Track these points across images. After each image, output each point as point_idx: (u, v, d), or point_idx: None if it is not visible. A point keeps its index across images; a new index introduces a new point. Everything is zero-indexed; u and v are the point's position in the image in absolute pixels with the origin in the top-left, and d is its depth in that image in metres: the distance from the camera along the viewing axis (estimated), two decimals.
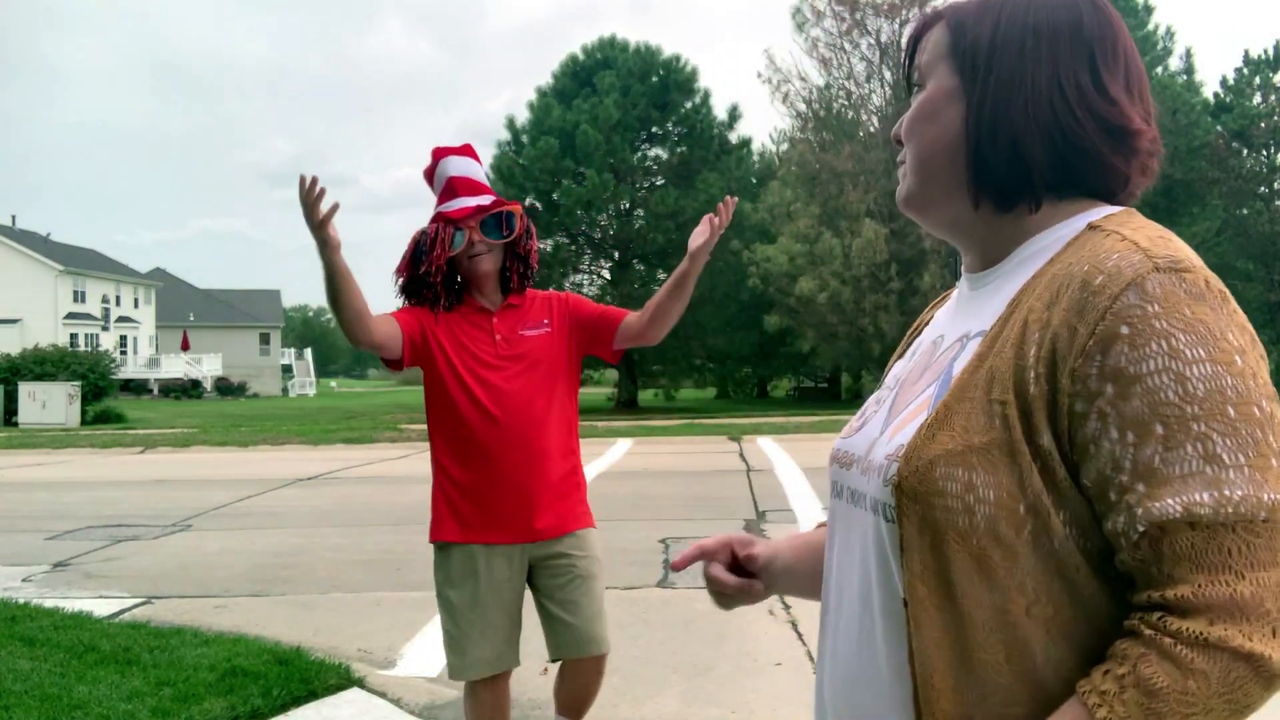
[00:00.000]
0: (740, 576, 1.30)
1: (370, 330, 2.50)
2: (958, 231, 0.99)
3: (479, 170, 2.78)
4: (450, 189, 2.72)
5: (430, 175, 2.79)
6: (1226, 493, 0.76)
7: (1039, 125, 0.90)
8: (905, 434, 0.90)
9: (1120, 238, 0.84)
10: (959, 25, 0.95)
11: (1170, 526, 0.76)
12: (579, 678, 2.74)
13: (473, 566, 2.61)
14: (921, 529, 0.84)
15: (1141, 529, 0.77)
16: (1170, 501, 0.76)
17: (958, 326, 0.98)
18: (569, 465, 2.70)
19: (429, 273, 2.62)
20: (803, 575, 1.21)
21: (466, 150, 2.81)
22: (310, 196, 2.27)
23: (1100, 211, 0.92)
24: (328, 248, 2.35)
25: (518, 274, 2.72)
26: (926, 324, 1.12)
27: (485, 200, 2.68)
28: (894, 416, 0.97)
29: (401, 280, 2.70)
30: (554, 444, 2.64)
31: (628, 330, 2.74)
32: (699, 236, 2.68)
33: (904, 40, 1.05)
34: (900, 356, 1.12)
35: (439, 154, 2.78)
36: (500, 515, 2.60)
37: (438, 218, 2.68)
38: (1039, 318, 0.84)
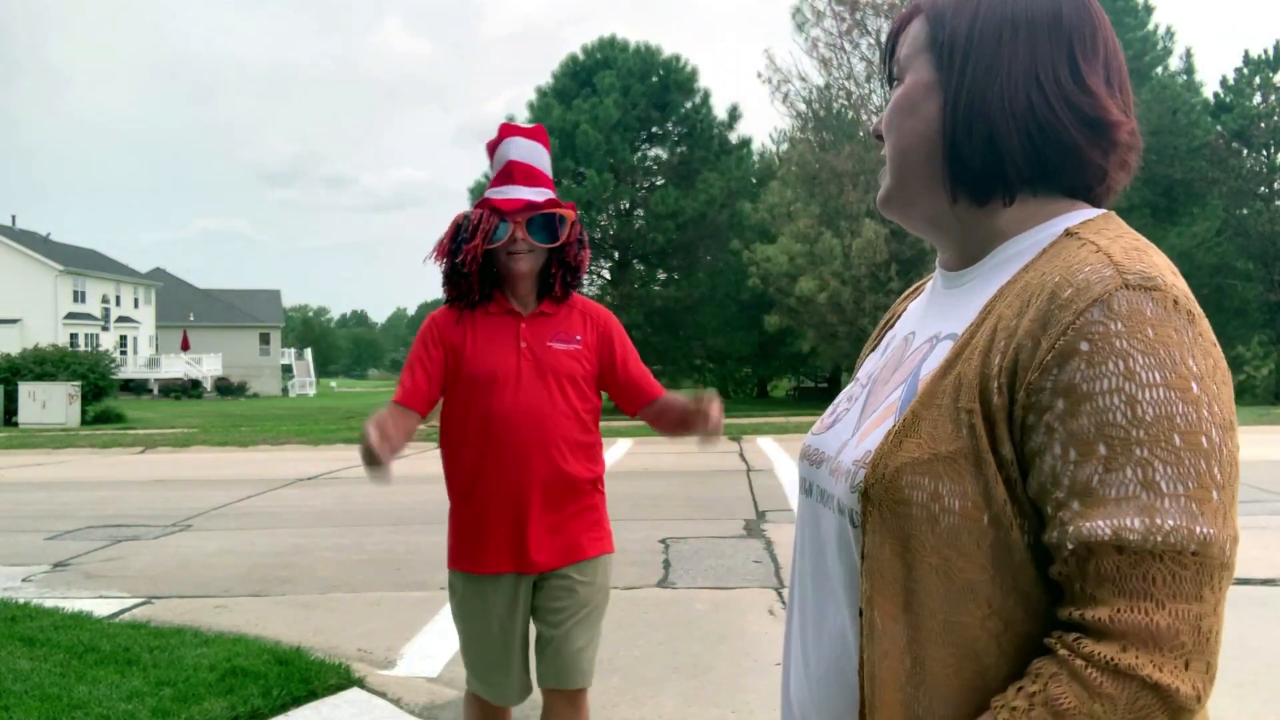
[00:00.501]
0: None
1: (412, 429, 2.35)
2: (936, 229, 0.98)
3: (545, 160, 2.52)
4: (507, 173, 2.46)
5: (492, 150, 2.53)
6: (1159, 521, 0.75)
7: (1015, 117, 0.89)
8: (873, 439, 0.90)
9: (1095, 248, 0.83)
10: (937, 17, 0.94)
11: (1097, 548, 0.76)
12: (552, 714, 2.49)
13: (475, 600, 2.43)
14: (885, 537, 0.84)
15: (1071, 546, 0.77)
16: (1101, 523, 0.76)
17: (929, 325, 0.98)
18: (585, 489, 2.48)
19: (463, 262, 2.38)
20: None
21: (538, 134, 2.54)
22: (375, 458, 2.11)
23: (1079, 215, 0.91)
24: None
25: (561, 281, 2.48)
26: (899, 316, 1.11)
27: (540, 196, 2.44)
28: (864, 418, 0.96)
29: (442, 266, 2.45)
30: (566, 468, 2.40)
31: (648, 409, 2.59)
32: (708, 422, 2.51)
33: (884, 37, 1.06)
34: (873, 349, 1.11)
35: (507, 131, 2.51)
36: (498, 545, 2.39)
37: (484, 203, 2.43)
38: (1007, 326, 0.83)
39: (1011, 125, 0.89)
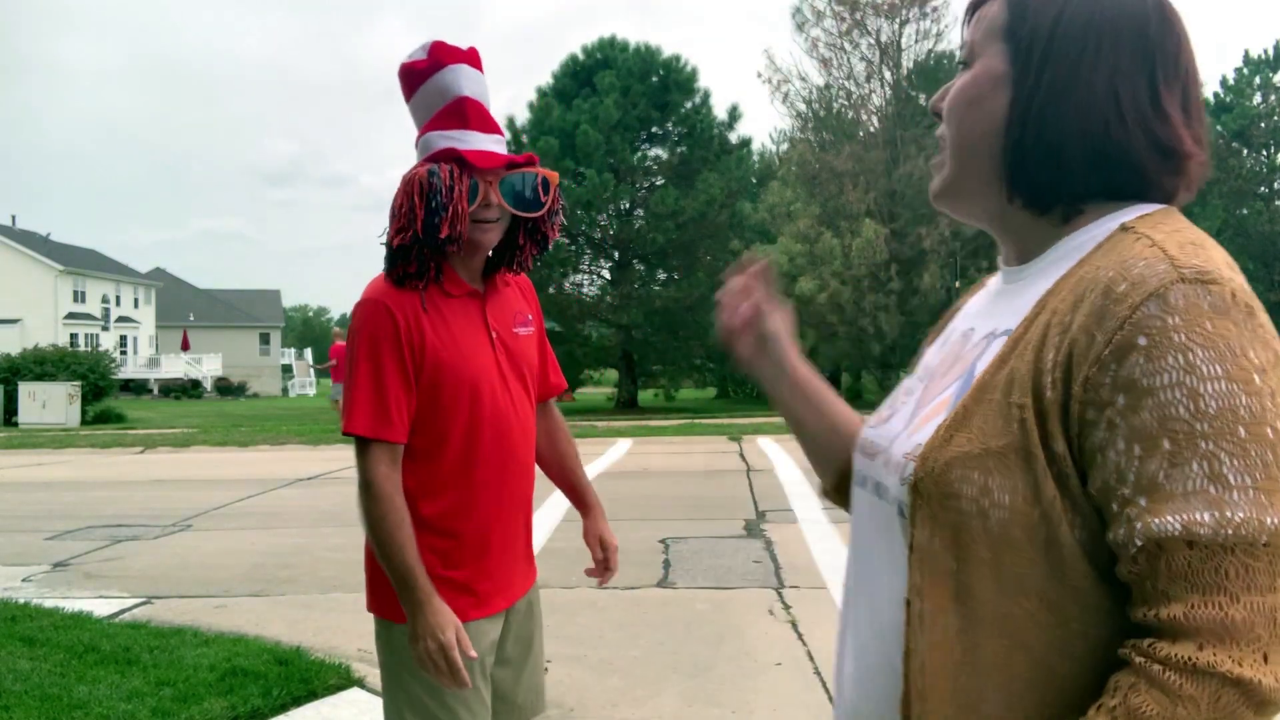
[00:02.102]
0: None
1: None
2: (994, 224, 0.97)
3: (488, 95, 1.95)
4: (459, 113, 1.88)
5: (421, 77, 1.92)
6: (1228, 514, 0.74)
7: (1087, 133, 0.87)
8: (924, 433, 0.90)
9: (1150, 243, 0.82)
10: (1019, 5, 0.91)
11: (1168, 544, 0.75)
12: None
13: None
14: (934, 529, 0.84)
15: (1140, 543, 0.76)
16: (1170, 519, 0.75)
17: (986, 322, 0.97)
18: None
19: (451, 236, 1.81)
20: (801, 396, 1.20)
21: (474, 59, 1.93)
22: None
23: (1135, 210, 0.89)
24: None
25: (529, 255, 2.02)
26: (959, 310, 1.10)
27: (502, 147, 1.93)
28: (918, 411, 0.96)
29: (402, 239, 1.81)
30: (533, 480, 2.06)
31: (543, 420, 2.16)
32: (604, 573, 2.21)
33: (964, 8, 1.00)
34: (932, 342, 1.10)
35: (447, 54, 1.90)
36: (497, 579, 1.97)
37: (447, 154, 1.83)
38: (1061, 321, 0.82)
39: (1081, 143, 0.87)
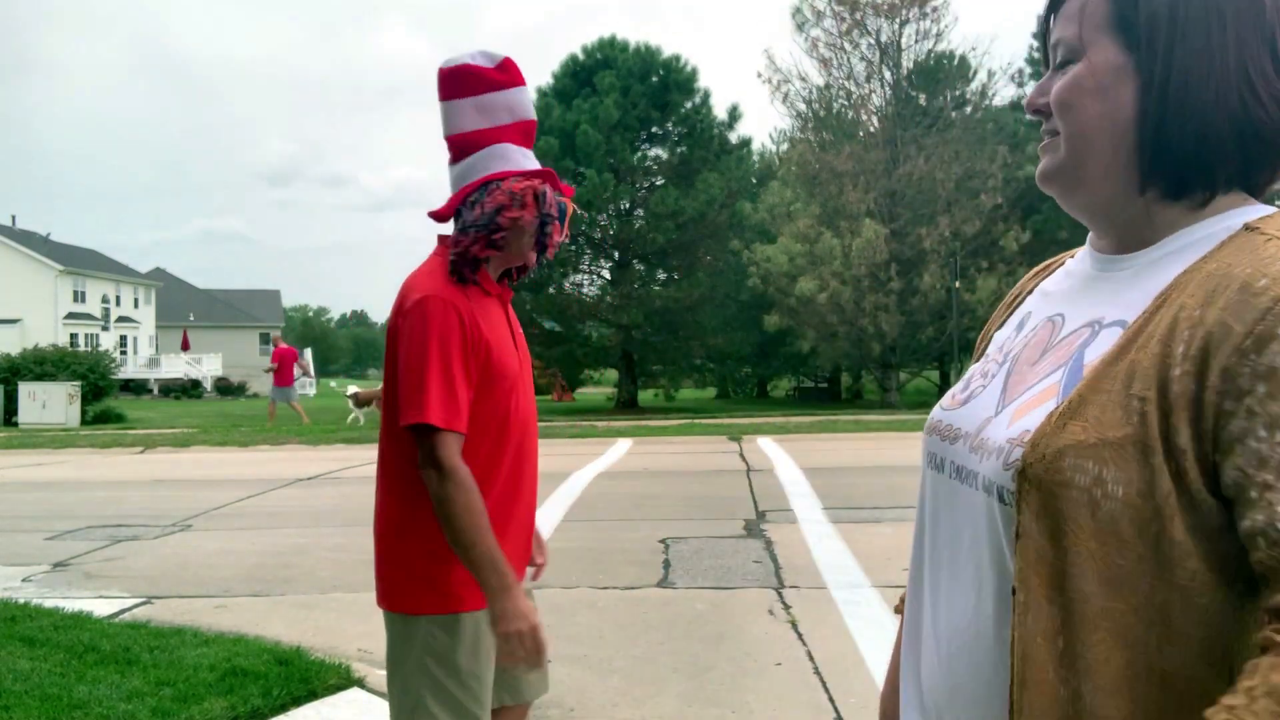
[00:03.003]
0: None
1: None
2: (1102, 212, 0.96)
3: None
4: (529, 136, 2.04)
5: (491, 84, 1.99)
6: None
7: (1228, 114, 0.87)
8: (1031, 419, 0.88)
9: None
10: None
11: None
12: None
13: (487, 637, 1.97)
14: (1040, 517, 0.83)
15: None
16: None
17: (1084, 309, 0.96)
18: None
19: (548, 243, 2.03)
20: None
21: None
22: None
23: (1254, 211, 0.90)
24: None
25: (537, 264, 2.15)
26: (1029, 292, 1.09)
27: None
28: (1010, 397, 0.95)
29: (495, 246, 1.97)
30: None
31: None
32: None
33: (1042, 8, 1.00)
34: (1000, 325, 1.09)
35: (519, 73, 2.02)
36: (515, 565, 2.04)
37: (544, 176, 2.02)
38: (1190, 316, 0.83)
39: (1225, 123, 0.87)
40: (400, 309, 1.95)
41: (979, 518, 0.91)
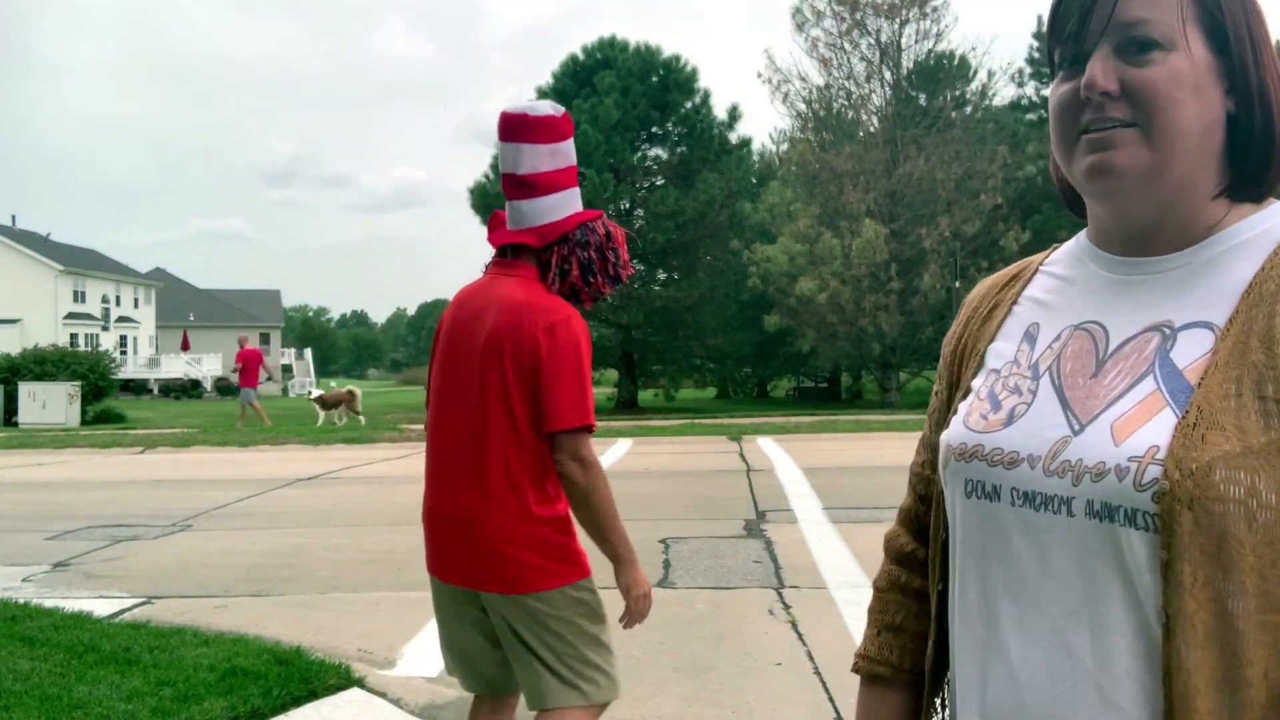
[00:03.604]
0: None
1: None
2: (1163, 212, 0.92)
3: None
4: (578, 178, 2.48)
5: (556, 133, 2.43)
6: None
7: None
8: (1150, 434, 0.83)
9: None
10: None
11: None
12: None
13: None
14: (1195, 537, 0.79)
15: None
16: None
17: (1132, 315, 0.92)
18: None
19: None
20: None
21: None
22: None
23: None
24: None
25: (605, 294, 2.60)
26: (1013, 300, 1.04)
27: None
28: (1087, 412, 0.89)
29: (616, 278, 2.42)
30: None
31: None
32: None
33: None
34: (993, 338, 1.03)
35: (571, 125, 2.49)
36: None
37: (598, 216, 2.43)
38: None
39: None
40: (544, 326, 2.23)
41: (1081, 546, 0.85)
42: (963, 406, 1.00)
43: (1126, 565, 0.82)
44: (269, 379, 21.09)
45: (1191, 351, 0.85)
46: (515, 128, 2.35)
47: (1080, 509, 0.85)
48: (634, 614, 2.39)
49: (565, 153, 2.41)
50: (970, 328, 1.07)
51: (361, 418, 21.61)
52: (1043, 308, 1.00)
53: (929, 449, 1.11)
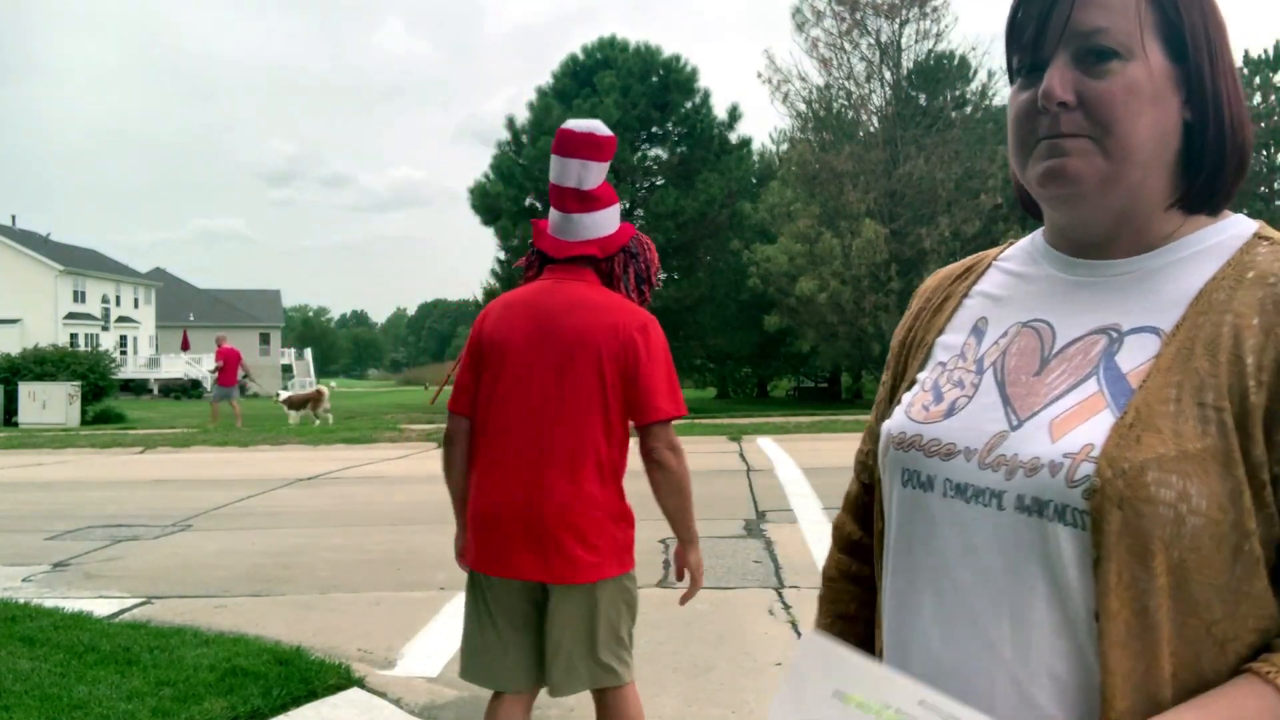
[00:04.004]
0: None
1: None
2: (1118, 219, 0.91)
3: None
4: None
5: (610, 152, 2.56)
6: None
7: (1246, 135, 0.89)
8: (1086, 433, 0.83)
9: None
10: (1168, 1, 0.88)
11: None
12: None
13: None
14: (1123, 537, 0.79)
15: None
16: None
17: (1081, 316, 0.92)
18: None
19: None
20: None
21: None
22: None
23: (1245, 220, 0.92)
24: None
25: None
26: (963, 295, 1.04)
27: None
28: (1026, 409, 0.89)
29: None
30: None
31: None
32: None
33: None
34: (941, 330, 1.03)
35: None
36: None
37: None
38: (1249, 325, 0.82)
39: (1246, 143, 0.89)
40: (637, 326, 2.44)
41: (1009, 539, 0.85)
42: (906, 397, 1.01)
43: (1052, 561, 0.82)
44: (245, 376, 21.05)
45: (1136, 355, 0.86)
46: (582, 145, 2.46)
47: (1011, 503, 0.85)
48: (697, 588, 2.74)
49: (606, 171, 2.57)
50: (921, 319, 1.07)
51: (330, 417, 21.57)
52: (993, 302, 1.00)
53: (873, 438, 1.11)
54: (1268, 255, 0.86)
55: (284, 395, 22.00)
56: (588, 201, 2.50)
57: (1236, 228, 0.90)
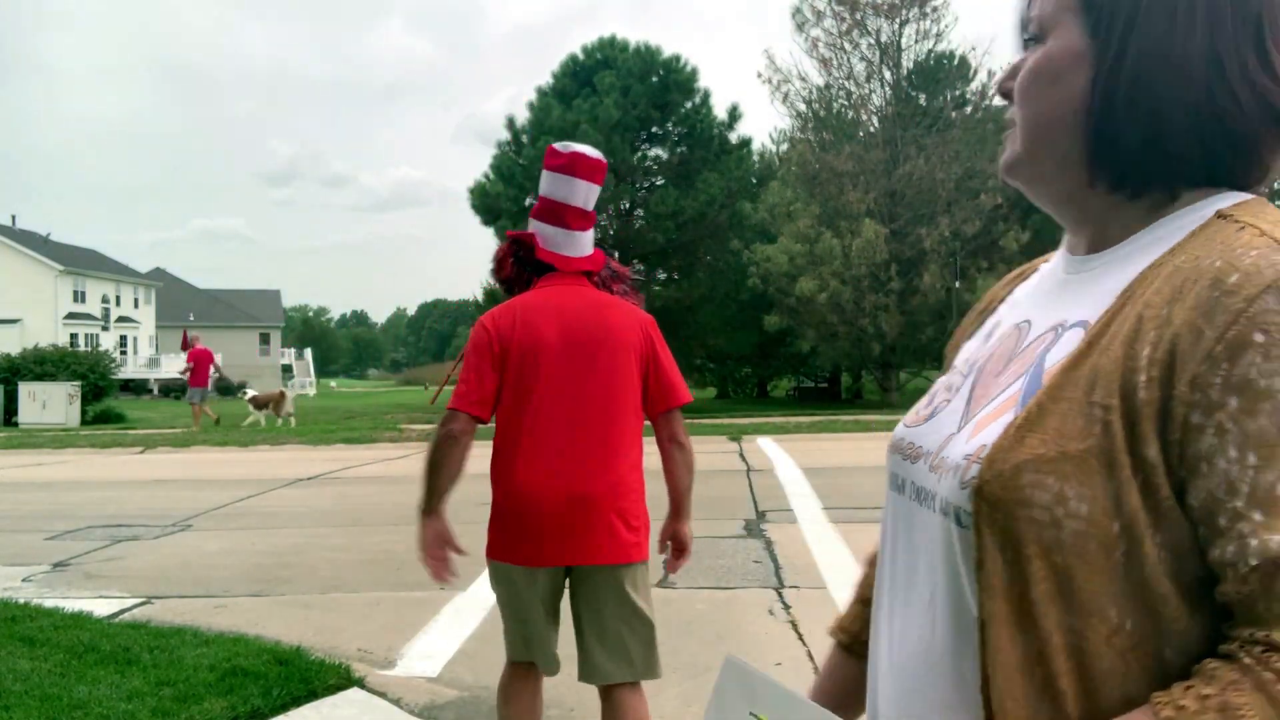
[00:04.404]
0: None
1: None
2: (1068, 209, 0.88)
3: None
4: None
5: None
6: None
7: (1187, 105, 0.78)
8: (989, 433, 0.80)
9: (1258, 232, 0.75)
10: None
11: None
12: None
13: None
14: (1001, 541, 0.75)
15: (1254, 562, 0.68)
16: None
17: (1050, 313, 0.88)
18: None
19: None
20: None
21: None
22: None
23: (1229, 198, 0.81)
24: None
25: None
26: (1001, 300, 1.01)
27: None
28: (973, 410, 0.87)
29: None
30: None
31: None
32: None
33: None
34: (970, 336, 1.01)
35: None
36: None
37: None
38: (1156, 314, 0.74)
39: (1182, 115, 0.79)
40: (649, 322, 2.72)
41: (936, 542, 0.83)
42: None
43: (956, 564, 0.80)
44: (217, 375, 21.08)
45: (1060, 352, 0.81)
46: (594, 170, 2.72)
47: (938, 506, 0.84)
48: (689, 558, 2.95)
49: None
50: (965, 327, 1.07)
51: (293, 420, 21.53)
52: (1014, 306, 0.98)
53: None
54: (1205, 236, 0.78)
55: (250, 394, 21.97)
56: (588, 220, 2.73)
57: (1206, 209, 0.81)
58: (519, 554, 2.59)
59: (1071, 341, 0.81)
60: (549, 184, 2.70)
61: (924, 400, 0.98)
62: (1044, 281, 0.95)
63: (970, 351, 0.98)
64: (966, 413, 0.88)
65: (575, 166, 2.69)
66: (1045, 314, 0.89)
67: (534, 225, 2.73)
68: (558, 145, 2.75)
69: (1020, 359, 0.86)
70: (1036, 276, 0.98)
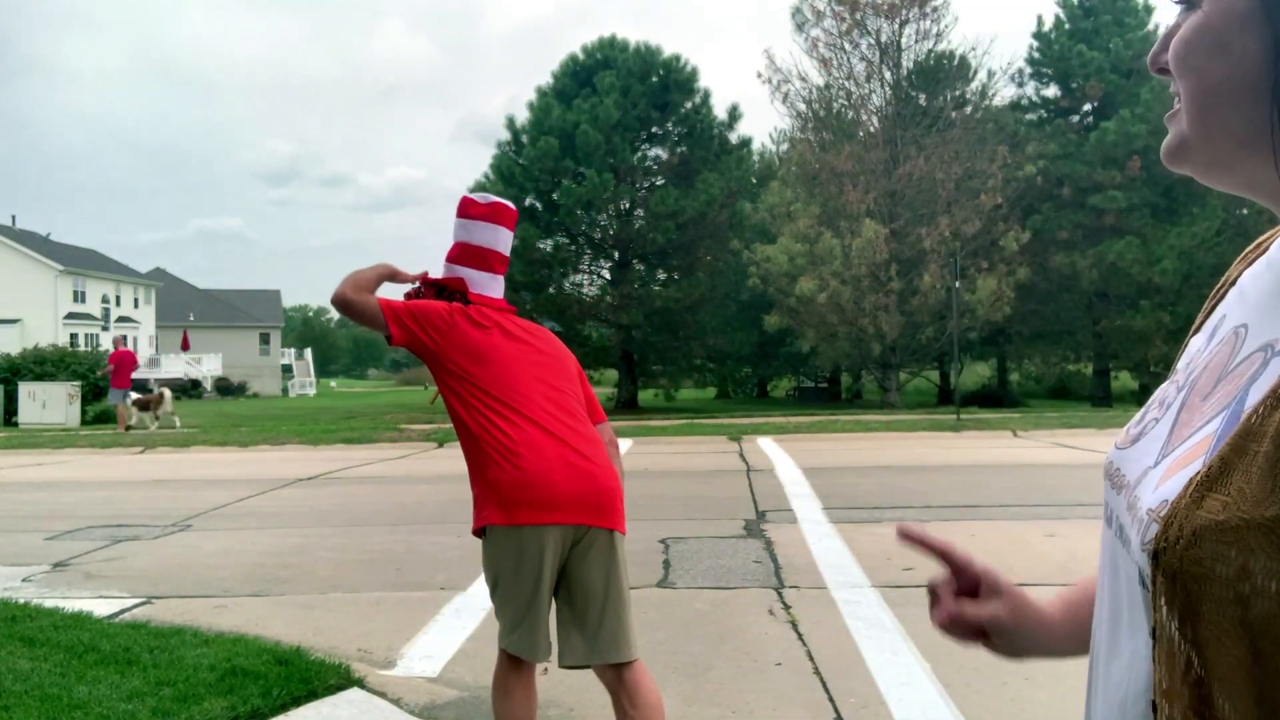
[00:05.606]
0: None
1: None
2: (1262, 194, 0.74)
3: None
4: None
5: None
6: None
7: None
8: (1173, 485, 0.67)
9: None
10: None
11: None
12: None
13: None
14: (1180, 617, 0.64)
15: None
16: None
17: (1266, 323, 0.72)
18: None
19: None
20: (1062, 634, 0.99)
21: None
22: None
23: None
24: None
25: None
26: (1232, 283, 0.83)
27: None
28: (1173, 442, 0.73)
29: None
30: None
31: None
32: None
33: None
34: (1198, 329, 0.84)
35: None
36: None
37: None
38: None
39: None
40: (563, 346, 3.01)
41: (1132, 594, 0.72)
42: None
43: (1141, 622, 0.70)
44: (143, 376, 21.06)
45: (1265, 384, 0.66)
46: (513, 218, 3.05)
47: (1131, 552, 0.72)
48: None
49: None
50: (1202, 314, 0.88)
51: (176, 420, 21.44)
52: (1241, 298, 0.80)
53: None
54: None
55: (134, 397, 21.83)
56: (505, 264, 3.03)
57: None
58: (533, 514, 2.62)
59: (1275, 372, 0.65)
60: (474, 231, 2.93)
61: (1138, 416, 0.84)
62: (1269, 272, 0.77)
63: (1192, 353, 0.82)
64: (1167, 443, 0.74)
65: (499, 215, 2.98)
66: (1262, 323, 0.73)
67: (459, 270, 2.91)
68: (475, 195, 2.99)
69: (1229, 382, 0.71)
70: (1264, 260, 0.79)
